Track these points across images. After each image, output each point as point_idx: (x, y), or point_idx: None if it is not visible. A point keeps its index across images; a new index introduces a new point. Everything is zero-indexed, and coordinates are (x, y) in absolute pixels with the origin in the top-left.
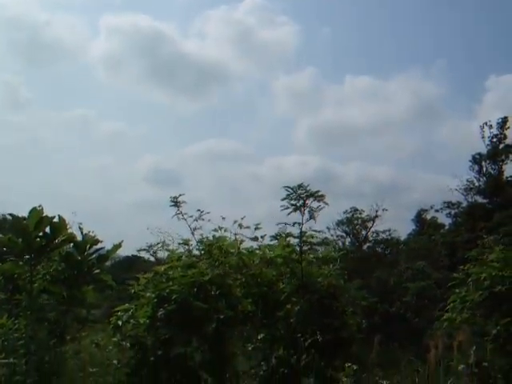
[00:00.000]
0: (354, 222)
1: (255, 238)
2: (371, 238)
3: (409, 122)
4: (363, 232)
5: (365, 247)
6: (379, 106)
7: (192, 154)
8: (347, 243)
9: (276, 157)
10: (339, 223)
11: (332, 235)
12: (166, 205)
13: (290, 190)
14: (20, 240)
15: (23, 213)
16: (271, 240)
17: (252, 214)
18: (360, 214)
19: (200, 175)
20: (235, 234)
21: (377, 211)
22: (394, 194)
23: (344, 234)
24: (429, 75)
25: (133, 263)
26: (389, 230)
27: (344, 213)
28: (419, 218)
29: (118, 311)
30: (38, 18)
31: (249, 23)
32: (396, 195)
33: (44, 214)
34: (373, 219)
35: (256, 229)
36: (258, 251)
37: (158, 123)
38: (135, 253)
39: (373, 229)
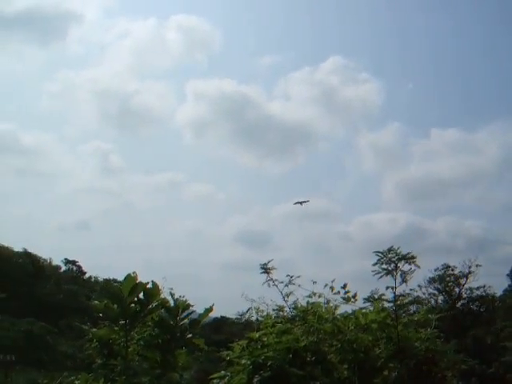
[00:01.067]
0: (446, 279)
1: (348, 299)
2: (465, 295)
3: (499, 173)
4: (456, 289)
5: (459, 305)
6: (467, 159)
7: (280, 214)
8: (440, 301)
9: (364, 215)
10: (431, 280)
11: (424, 293)
12: (256, 265)
13: (380, 254)
14: (115, 306)
15: (113, 275)
16: (364, 302)
17: (342, 274)
18: (452, 270)
19: (289, 235)
20: (328, 300)
21: (470, 267)
22: (487, 249)
23: (436, 292)
24: None
25: (221, 325)
26: (483, 287)
27: (436, 270)
28: None
29: (214, 378)
30: (128, 87)
31: (331, 82)
32: (489, 250)
33: (138, 281)
34: (466, 275)
35: (346, 292)
36: (352, 316)
37: (246, 185)
38: (223, 314)
39: (466, 285)
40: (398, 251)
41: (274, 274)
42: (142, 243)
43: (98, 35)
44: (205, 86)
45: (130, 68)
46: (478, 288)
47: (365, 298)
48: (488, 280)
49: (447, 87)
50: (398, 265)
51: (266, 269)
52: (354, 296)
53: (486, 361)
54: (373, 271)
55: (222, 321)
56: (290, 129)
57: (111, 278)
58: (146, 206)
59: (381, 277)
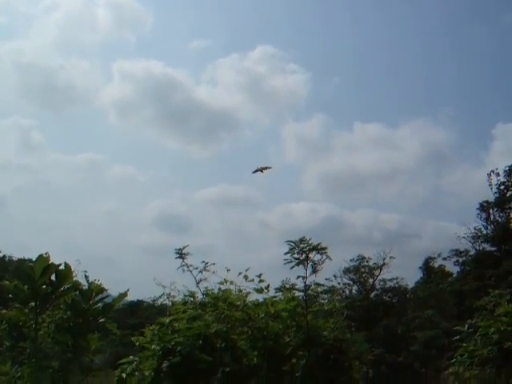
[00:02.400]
0: (361, 270)
1: (260, 290)
2: (378, 286)
3: (417, 169)
4: (370, 280)
5: (372, 295)
6: (388, 153)
7: (201, 199)
8: (354, 291)
9: (285, 203)
10: (346, 271)
11: (339, 283)
12: (173, 251)
13: (292, 243)
14: (26, 287)
15: (28, 254)
16: (276, 292)
17: (260, 261)
18: (367, 261)
19: (209, 221)
20: (240, 288)
21: (384, 259)
22: (402, 242)
23: (351, 282)
24: (437, 123)
25: (136, 308)
26: (396, 278)
27: (351, 260)
28: (427, 266)
29: (123, 363)
30: (53, 62)
31: (259, 71)
32: (404, 243)
33: (50, 261)
34: (380, 267)
35: (260, 281)
36: (262, 304)
37: (169, 168)
38: (139, 298)
39: (380, 277)
40: (310, 242)
41: (190, 260)
42: (60, 223)
43: (25, 6)
44: (132, 67)
45: (56, 43)
46: (391, 279)
47: (276, 288)
48: (401, 272)
49: (373, 83)
50: (310, 255)
51: (181, 254)
52: (267, 287)
53: (397, 350)
54: (285, 260)
55: (138, 305)
56: (215, 114)
57: (26, 257)
58: (66, 186)
59: (292, 267)
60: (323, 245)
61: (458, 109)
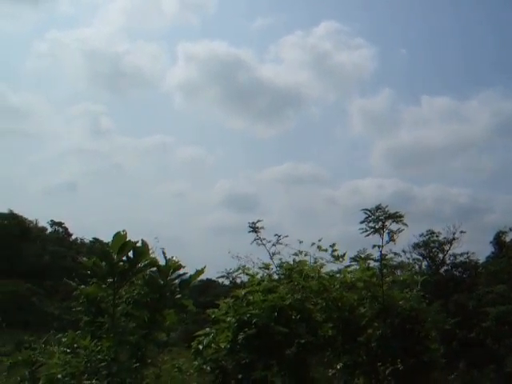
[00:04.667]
0: (430, 245)
1: (336, 258)
2: (448, 262)
3: (487, 141)
4: (440, 255)
5: (442, 270)
6: (457, 126)
7: (268, 178)
8: (424, 266)
9: (352, 180)
10: (415, 246)
11: (408, 258)
12: (243, 229)
13: (368, 212)
14: (103, 263)
15: (101, 237)
16: (350, 262)
17: (327, 238)
18: (437, 236)
19: (276, 199)
20: (315, 259)
21: (454, 233)
22: (472, 216)
23: (420, 257)
24: (507, 93)
25: (207, 287)
26: (467, 253)
27: (420, 236)
28: (498, 241)
29: (199, 335)
30: (119, 48)
31: (324, 47)
32: (474, 217)
33: (127, 239)
34: (450, 242)
35: (333, 251)
36: (338, 275)
37: (235, 148)
38: (210, 277)
39: (450, 252)
40: (386, 210)
41: (262, 234)
42: (130, 205)
43: None
44: (197, 48)
45: (121, 29)
46: (461, 254)
47: (351, 258)
48: (471, 247)
49: (440, 54)
50: (386, 223)
51: (254, 227)
52: (343, 255)
53: (467, 326)
54: (360, 229)
55: (208, 283)
56: (280, 93)
57: (97, 239)
58: (134, 169)
59: (368, 235)
60: (400, 213)
61: None
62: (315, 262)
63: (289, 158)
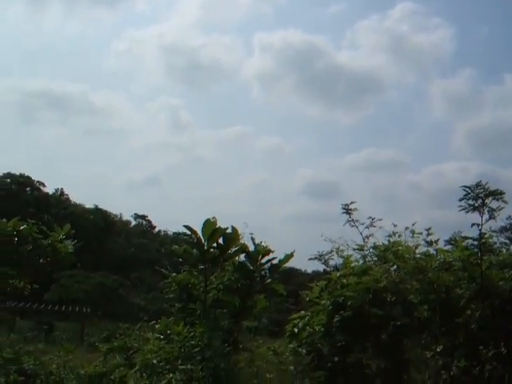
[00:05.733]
0: None
1: (430, 243)
2: None
3: None
4: None
5: None
6: None
7: (349, 165)
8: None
9: (434, 164)
10: (502, 229)
11: (495, 242)
12: (325, 217)
13: (467, 189)
14: (194, 251)
15: (184, 229)
16: (445, 245)
17: (410, 224)
18: None
19: (357, 186)
20: (410, 239)
21: None
22: None
23: (508, 241)
24: None
25: (290, 276)
26: None
27: (507, 218)
28: None
29: (294, 318)
30: (195, 41)
31: (401, 29)
32: None
33: (217, 226)
34: None
35: (428, 234)
36: (434, 255)
37: (314, 136)
38: (293, 266)
39: None
40: (486, 186)
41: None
42: (211, 197)
43: None
44: (272, 38)
45: (196, 22)
46: None
47: (446, 240)
48: None
49: None
50: (486, 201)
51: (347, 209)
52: (437, 241)
53: None
54: (459, 206)
55: (291, 272)
56: (358, 78)
57: (180, 231)
58: (216, 160)
59: (467, 212)
60: (501, 190)
61: None
62: (409, 243)
63: (369, 144)
